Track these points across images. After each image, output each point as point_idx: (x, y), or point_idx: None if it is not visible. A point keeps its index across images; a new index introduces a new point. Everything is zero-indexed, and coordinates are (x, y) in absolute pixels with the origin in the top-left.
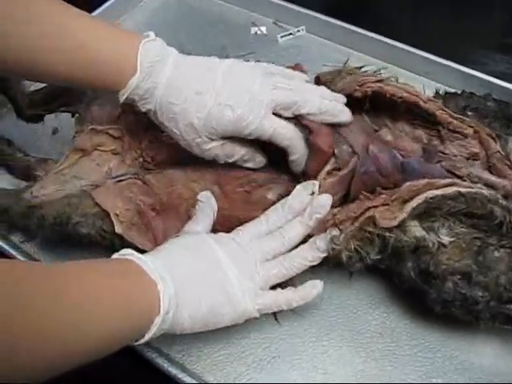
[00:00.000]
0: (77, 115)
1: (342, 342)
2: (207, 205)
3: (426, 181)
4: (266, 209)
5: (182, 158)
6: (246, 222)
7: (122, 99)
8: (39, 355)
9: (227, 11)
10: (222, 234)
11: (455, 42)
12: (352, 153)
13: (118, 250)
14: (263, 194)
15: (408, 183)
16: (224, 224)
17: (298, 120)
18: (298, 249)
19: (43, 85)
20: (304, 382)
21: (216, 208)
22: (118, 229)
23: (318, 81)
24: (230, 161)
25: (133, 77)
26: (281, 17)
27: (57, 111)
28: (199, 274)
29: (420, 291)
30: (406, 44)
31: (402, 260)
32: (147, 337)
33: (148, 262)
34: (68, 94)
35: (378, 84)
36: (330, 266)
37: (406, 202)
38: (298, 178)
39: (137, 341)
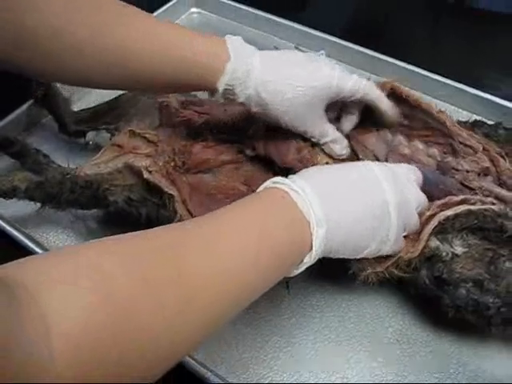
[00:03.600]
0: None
1: (360, 348)
2: None
3: (439, 202)
4: None
5: (212, 167)
6: None
7: (221, 88)
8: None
9: (250, 35)
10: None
11: (471, 65)
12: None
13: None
14: None
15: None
16: None
17: None
18: None
19: (86, 103)
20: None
21: None
22: (146, 174)
23: None
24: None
25: (228, 62)
26: (302, 41)
27: (100, 129)
28: (358, 207)
29: (434, 298)
30: (423, 68)
31: (417, 268)
32: (295, 273)
33: (300, 195)
34: (112, 113)
35: (397, 84)
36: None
37: (422, 227)
38: None
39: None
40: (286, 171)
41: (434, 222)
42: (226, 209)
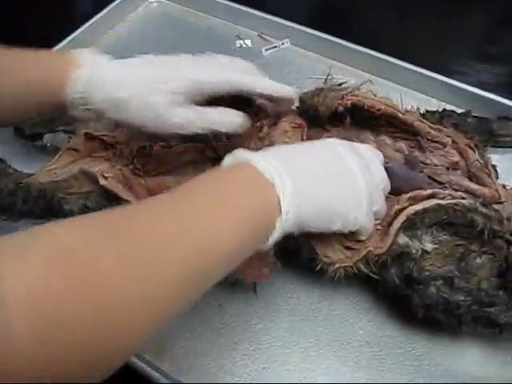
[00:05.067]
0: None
1: (330, 352)
2: None
3: (407, 196)
4: None
5: (173, 168)
6: None
7: (74, 95)
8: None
9: (212, 24)
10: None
11: (437, 52)
12: None
13: None
14: None
15: (391, 201)
16: None
17: None
18: None
19: None
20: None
21: None
22: (102, 181)
23: (302, 102)
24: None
25: (77, 68)
26: (265, 30)
27: (57, 130)
28: (323, 171)
29: (404, 297)
30: (389, 55)
31: (386, 267)
32: (271, 241)
33: (261, 162)
34: (69, 115)
35: (357, 97)
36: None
37: (390, 221)
38: None
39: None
40: None
41: (402, 217)
42: (196, 183)
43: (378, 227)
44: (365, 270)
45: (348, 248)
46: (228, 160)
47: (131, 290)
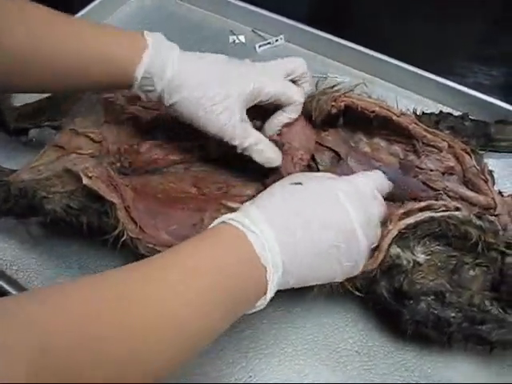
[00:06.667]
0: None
1: (319, 362)
2: None
3: (400, 211)
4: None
5: (161, 166)
6: None
7: (139, 75)
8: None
9: (206, 19)
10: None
11: (435, 53)
12: (337, 161)
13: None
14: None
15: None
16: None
17: None
18: None
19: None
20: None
21: None
22: (85, 181)
23: None
24: (245, 144)
25: (146, 50)
26: (259, 25)
27: (43, 126)
28: (320, 251)
29: (394, 313)
30: (386, 55)
31: (375, 280)
32: (251, 311)
33: (260, 239)
34: (55, 109)
35: (351, 99)
36: None
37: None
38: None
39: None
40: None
41: (393, 232)
42: (177, 250)
43: None
44: (354, 285)
45: None
46: (222, 220)
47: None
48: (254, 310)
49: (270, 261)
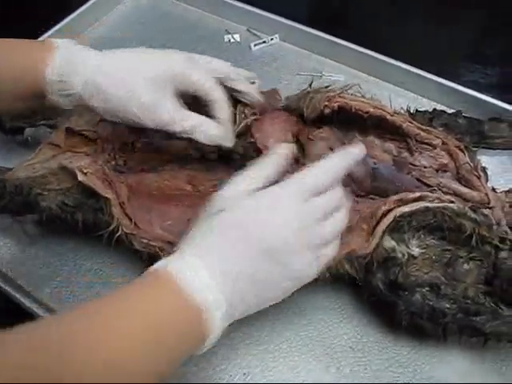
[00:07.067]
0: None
1: (313, 358)
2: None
3: (395, 198)
4: None
5: (156, 164)
6: None
7: (51, 80)
8: None
9: (201, 18)
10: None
11: (430, 51)
12: None
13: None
14: None
15: (379, 202)
16: None
17: None
18: None
19: None
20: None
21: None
22: (80, 177)
23: (288, 107)
24: (187, 127)
25: (54, 52)
26: (254, 24)
27: (38, 125)
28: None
29: (388, 304)
30: (380, 53)
31: (371, 271)
32: (202, 351)
33: (196, 282)
34: (50, 108)
35: (344, 99)
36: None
37: (377, 222)
38: None
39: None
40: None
41: (389, 217)
42: (111, 300)
43: (364, 227)
44: (349, 271)
45: None
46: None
47: None
48: (204, 350)
49: (209, 300)
